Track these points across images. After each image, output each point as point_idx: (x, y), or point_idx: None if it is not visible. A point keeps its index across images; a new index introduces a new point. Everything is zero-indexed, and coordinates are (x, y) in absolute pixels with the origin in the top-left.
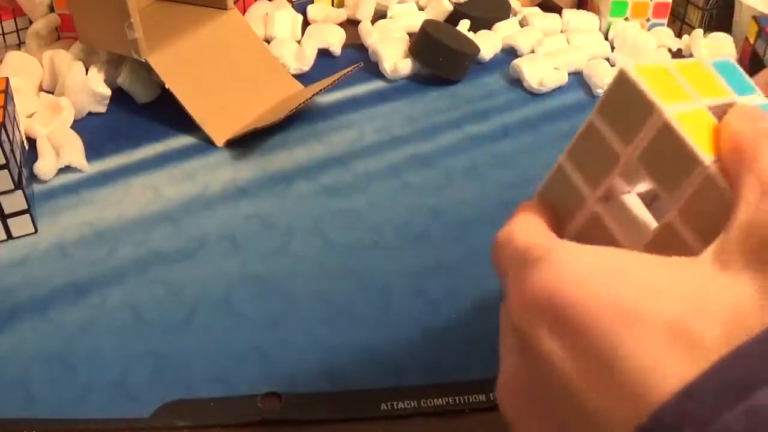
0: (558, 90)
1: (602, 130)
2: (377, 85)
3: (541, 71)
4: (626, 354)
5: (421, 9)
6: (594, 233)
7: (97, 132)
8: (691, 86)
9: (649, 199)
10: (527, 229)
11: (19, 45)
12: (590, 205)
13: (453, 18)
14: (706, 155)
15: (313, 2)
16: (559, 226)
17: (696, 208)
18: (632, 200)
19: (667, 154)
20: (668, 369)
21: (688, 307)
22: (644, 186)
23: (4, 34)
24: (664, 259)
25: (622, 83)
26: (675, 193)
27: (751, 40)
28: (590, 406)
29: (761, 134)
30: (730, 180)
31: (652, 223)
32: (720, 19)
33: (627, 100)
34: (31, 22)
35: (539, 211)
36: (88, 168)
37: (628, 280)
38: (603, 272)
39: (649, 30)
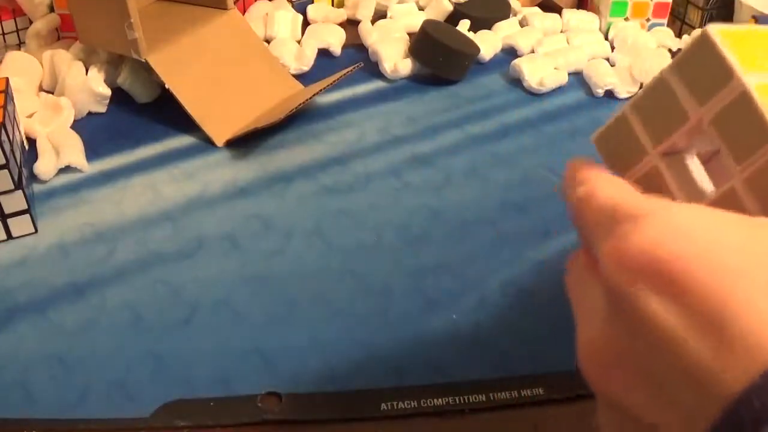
0: (558, 90)
1: (675, 88)
2: (377, 85)
3: (541, 71)
4: (737, 312)
5: (421, 9)
6: (651, 185)
7: (97, 132)
8: None
9: (703, 159)
10: (610, 187)
11: (19, 45)
12: (651, 158)
13: (453, 18)
14: None
15: (313, 2)
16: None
17: (763, 179)
18: (691, 159)
19: (741, 123)
20: None
21: None
22: (703, 146)
23: (4, 34)
24: (755, 220)
25: (703, 44)
26: (744, 160)
27: None
28: (696, 365)
29: None
30: None
31: (709, 184)
32: (720, 19)
33: (706, 62)
34: (31, 22)
35: (596, 165)
36: (88, 168)
37: (731, 239)
38: (704, 230)
39: (649, 30)
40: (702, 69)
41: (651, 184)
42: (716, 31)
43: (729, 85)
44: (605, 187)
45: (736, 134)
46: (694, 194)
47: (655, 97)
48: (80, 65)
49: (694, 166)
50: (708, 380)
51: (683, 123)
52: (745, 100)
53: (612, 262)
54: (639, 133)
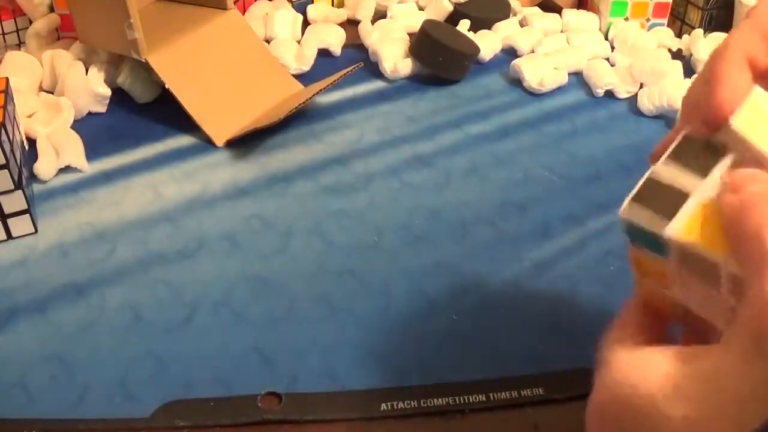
0: (558, 90)
1: (639, 256)
2: (377, 85)
3: (541, 71)
4: None
5: (421, 9)
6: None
7: (97, 132)
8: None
9: None
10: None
11: (19, 45)
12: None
13: (453, 18)
14: (720, 256)
15: (313, 2)
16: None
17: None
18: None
19: (698, 265)
20: None
21: (702, 402)
22: None
23: (4, 34)
24: (686, 352)
25: (626, 227)
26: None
27: None
28: None
29: (748, 206)
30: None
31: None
32: (720, 19)
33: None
34: (31, 22)
35: (637, 309)
36: (88, 168)
37: (655, 382)
38: (635, 381)
39: (649, 30)
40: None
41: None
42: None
43: (671, 250)
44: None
45: (699, 272)
46: (714, 309)
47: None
48: (80, 65)
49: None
50: None
51: (666, 278)
52: (688, 249)
53: (588, 409)
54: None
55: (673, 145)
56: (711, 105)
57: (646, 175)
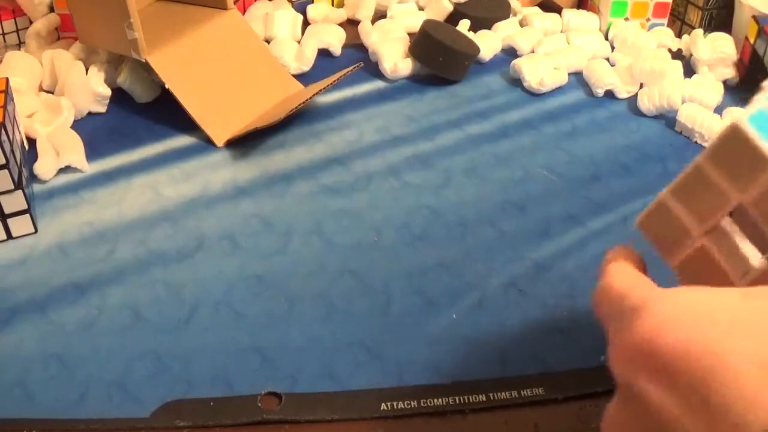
0: (558, 90)
1: (712, 176)
2: (377, 85)
3: (541, 71)
4: (721, 391)
5: (421, 9)
6: (700, 263)
7: (97, 132)
8: None
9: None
10: (623, 276)
11: (19, 45)
12: (696, 238)
13: (453, 18)
14: None
15: (313, 2)
16: (665, 254)
17: None
18: (732, 228)
19: None
20: (764, 402)
21: None
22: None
23: (4, 34)
24: (748, 291)
25: (736, 136)
26: None
27: (751, 40)
28: None
29: None
30: None
31: (752, 251)
32: (720, 19)
33: (740, 152)
34: (31, 22)
35: (631, 254)
36: (88, 168)
37: (717, 320)
38: (693, 316)
39: (649, 30)
40: (737, 158)
41: (700, 262)
42: (746, 122)
43: (766, 173)
44: (618, 276)
45: None
46: (739, 264)
47: (693, 184)
48: (80, 65)
49: (736, 235)
50: None
51: (724, 206)
52: None
53: (614, 354)
54: (681, 215)
55: None
56: None
57: None
